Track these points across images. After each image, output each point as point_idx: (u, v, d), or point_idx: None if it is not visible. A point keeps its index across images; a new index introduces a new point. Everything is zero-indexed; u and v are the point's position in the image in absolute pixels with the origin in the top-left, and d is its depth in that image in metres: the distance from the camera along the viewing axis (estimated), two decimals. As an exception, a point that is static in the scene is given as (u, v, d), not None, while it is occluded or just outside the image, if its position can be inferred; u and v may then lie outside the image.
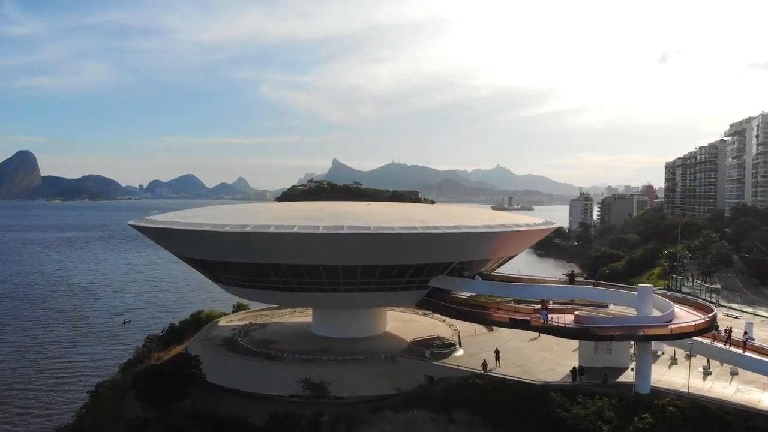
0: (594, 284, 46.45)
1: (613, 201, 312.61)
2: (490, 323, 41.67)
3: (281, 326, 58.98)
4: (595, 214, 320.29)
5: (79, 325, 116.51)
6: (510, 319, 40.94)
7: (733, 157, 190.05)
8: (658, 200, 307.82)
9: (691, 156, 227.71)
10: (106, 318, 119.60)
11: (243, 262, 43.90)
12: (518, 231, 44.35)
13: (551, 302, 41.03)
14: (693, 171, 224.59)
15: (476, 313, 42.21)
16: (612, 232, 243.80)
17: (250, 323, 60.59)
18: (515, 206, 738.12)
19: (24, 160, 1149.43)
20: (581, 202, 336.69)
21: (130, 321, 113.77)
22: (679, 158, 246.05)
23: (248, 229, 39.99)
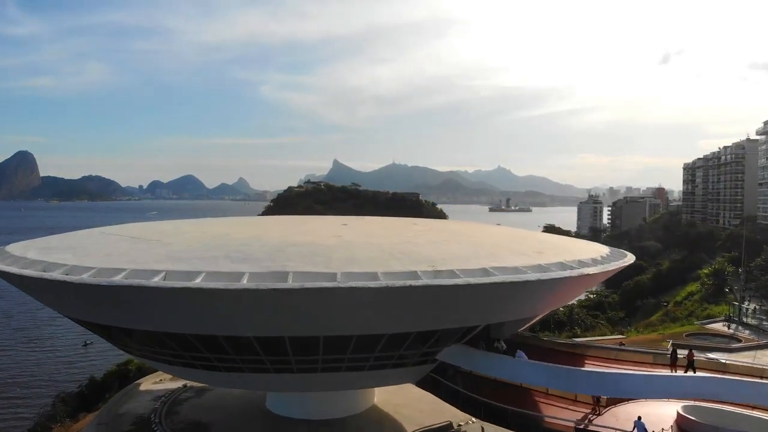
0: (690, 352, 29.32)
1: (625, 204, 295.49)
2: (543, 434, 24.13)
3: (224, 395, 41.32)
4: (605, 218, 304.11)
5: (37, 347, 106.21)
6: (577, 429, 23.49)
7: (767, 158, 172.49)
8: (673, 203, 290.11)
9: (715, 156, 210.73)
10: (69, 338, 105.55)
11: (127, 329, 26.62)
12: (587, 276, 26.69)
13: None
14: (716, 173, 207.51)
15: (521, 416, 24.41)
16: (626, 238, 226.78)
17: (185, 386, 43.10)
18: (513, 207, 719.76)
19: (23, 160, 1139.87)
20: (590, 205, 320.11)
21: (91, 343, 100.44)
22: (699, 159, 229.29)
23: (117, 279, 22.36)
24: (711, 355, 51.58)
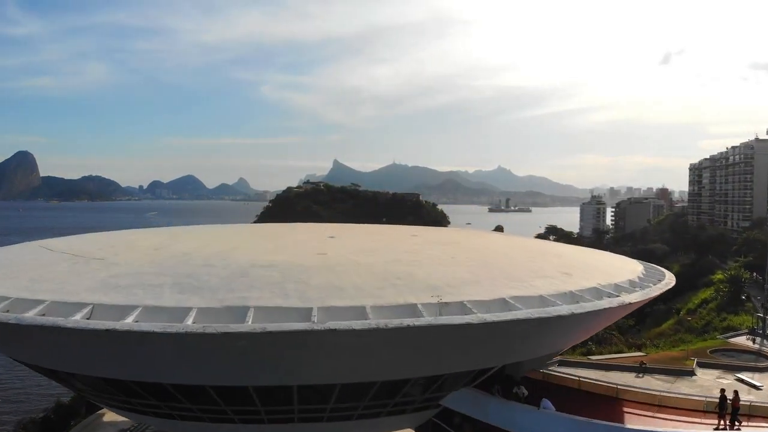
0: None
1: (629, 205, 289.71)
2: None
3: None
4: (608, 219, 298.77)
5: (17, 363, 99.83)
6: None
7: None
8: (678, 204, 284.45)
9: (722, 157, 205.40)
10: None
11: (53, 370, 21.55)
12: (628, 304, 21.57)
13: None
14: (724, 173, 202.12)
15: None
16: (630, 239, 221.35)
17: (153, 417, 37.89)
18: (513, 207, 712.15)
19: (23, 160, 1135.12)
20: (593, 205, 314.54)
21: None
22: (706, 159, 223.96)
23: (30, 315, 17.13)
24: (741, 376, 46.10)
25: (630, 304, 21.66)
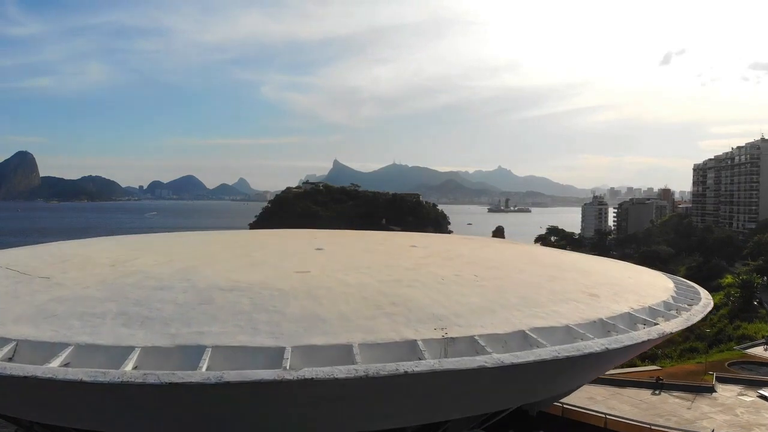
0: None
1: (631, 206, 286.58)
2: None
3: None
4: (610, 220, 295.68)
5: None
6: None
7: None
8: (681, 205, 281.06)
9: (727, 157, 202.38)
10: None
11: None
12: (668, 334, 18.23)
13: None
14: (729, 174, 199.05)
15: None
16: (633, 241, 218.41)
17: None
18: (512, 208, 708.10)
19: (23, 160, 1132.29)
20: (595, 206, 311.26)
21: None
22: (710, 159, 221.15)
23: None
24: (763, 392, 42.96)
25: (669, 333, 18.24)
